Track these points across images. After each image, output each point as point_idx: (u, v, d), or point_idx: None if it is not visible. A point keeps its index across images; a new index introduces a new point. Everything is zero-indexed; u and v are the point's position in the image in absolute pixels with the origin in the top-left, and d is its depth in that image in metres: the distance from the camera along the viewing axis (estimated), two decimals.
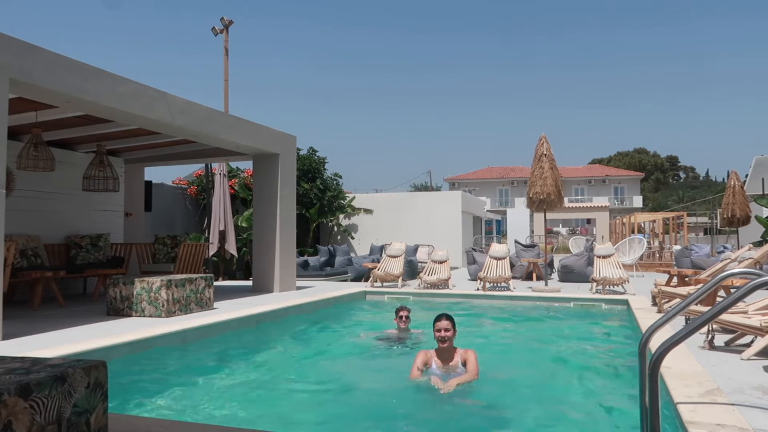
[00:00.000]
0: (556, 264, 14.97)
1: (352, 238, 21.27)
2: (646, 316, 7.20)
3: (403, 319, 6.74)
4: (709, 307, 4.00)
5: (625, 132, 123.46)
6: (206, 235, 14.91)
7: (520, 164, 65.92)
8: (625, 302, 9.01)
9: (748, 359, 4.62)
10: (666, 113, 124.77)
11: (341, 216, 21.08)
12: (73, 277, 9.05)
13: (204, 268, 12.14)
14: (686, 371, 4.14)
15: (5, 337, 5.62)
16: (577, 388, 4.98)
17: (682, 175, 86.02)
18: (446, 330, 4.81)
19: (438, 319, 4.91)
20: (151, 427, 2.92)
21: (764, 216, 20.18)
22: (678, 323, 5.75)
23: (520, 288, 11.61)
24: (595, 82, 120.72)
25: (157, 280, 7.15)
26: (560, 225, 53.37)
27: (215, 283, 9.65)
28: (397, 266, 12.33)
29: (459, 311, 9.26)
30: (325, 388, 5.04)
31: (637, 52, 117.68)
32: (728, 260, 9.32)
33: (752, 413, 3.19)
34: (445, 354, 4.86)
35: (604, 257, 11.34)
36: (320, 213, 19.26)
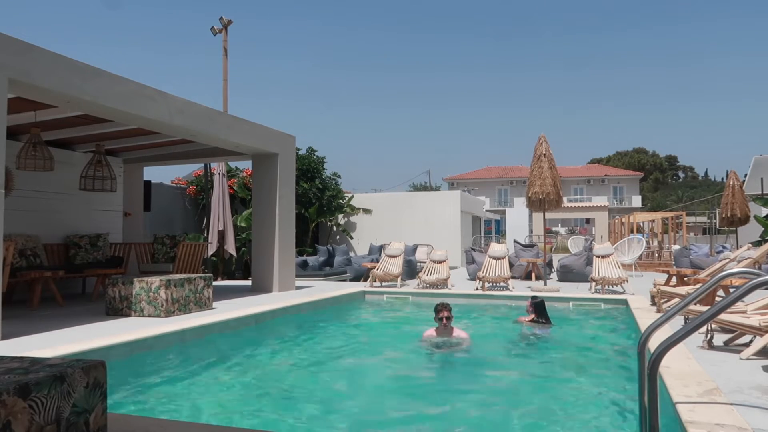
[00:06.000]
0: (555, 264, 14.98)
1: (351, 237, 21.27)
2: (645, 315, 7.20)
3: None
4: (708, 307, 4.01)
5: (624, 132, 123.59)
6: (205, 234, 14.90)
7: (519, 164, 66.04)
8: (624, 302, 9.02)
9: (747, 359, 4.62)
10: (665, 113, 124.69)
11: (340, 216, 21.08)
12: (72, 276, 9.04)
13: (203, 267, 12.14)
14: (685, 371, 4.15)
15: (4, 337, 5.62)
16: (576, 387, 4.98)
17: (681, 174, 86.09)
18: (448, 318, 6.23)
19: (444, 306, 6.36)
20: (149, 427, 2.92)
21: (763, 216, 20.19)
22: (677, 323, 5.75)
23: (519, 288, 11.61)
24: (595, 82, 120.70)
25: (156, 280, 7.15)
26: (559, 225, 53.40)
27: (214, 283, 9.65)
28: (396, 266, 12.33)
29: (458, 311, 9.28)
30: (324, 388, 5.04)
31: (636, 52, 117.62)
32: (727, 260, 9.32)
33: (751, 413, 3.19)
34: (446, 332, 6.27)
35: (603, 257, 11.34)
36: (319, 213, 19.26)
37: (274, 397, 4.72)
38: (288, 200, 10.77)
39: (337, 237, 21.41)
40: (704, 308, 5.45)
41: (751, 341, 4.92)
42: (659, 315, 5.28)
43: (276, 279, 10.32)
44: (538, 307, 7.51)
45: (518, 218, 29.31)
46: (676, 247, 20.08)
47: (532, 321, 7.44)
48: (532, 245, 15.72)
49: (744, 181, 30.69)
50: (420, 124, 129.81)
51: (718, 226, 24.98)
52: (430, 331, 6.35)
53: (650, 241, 25.30)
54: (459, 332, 6.32)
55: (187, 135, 8.84)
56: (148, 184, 12.70)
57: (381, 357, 6.37)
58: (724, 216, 16.26)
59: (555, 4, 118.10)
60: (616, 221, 30.72)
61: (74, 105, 6.92)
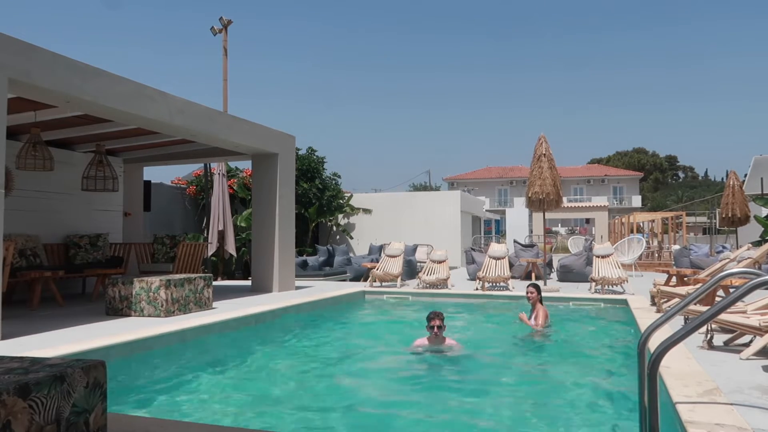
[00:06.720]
0: (555, 264, 14.98)
1: (351, 237, 21.27)
2: (645, 315, 7.20)
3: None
4: (708, 307, 4.01)
5: (624, 132, 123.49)
6: (205, 234, 14.90)
7: (519, 164, 66.01)
8: (624, 302, 9.02)
9: (747, 359, 4.63)
10: (665, 113, 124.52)
11: (340, 216, 21.08)
12: (72, 276, 9.04)
13: (203, 267, 12.14)
14: (685, 371, 4.15)
15: (4, 337, 5.62)
16: (576, 387, 4.98)
17: (681, 174, 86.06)
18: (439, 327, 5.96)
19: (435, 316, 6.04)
20: (149, 427, 2.92)
21: (763, 216, 20.20)
22: (677, 323, 5.75)
23: (519, 288, 11.60)
24: (595, 82, 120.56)
25: (156, 280, 7.15)
26: (559, 225, 53.39)
27: (214, 283, 9.64)
28: (396, 266, 12.33)
29: (457, 311, 9.27)
30: (322, 389, 5.04)
31: (636, 53, 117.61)
32: (727, 260, 9.33)
33: (751, 413, 3.19)
34: (437, 341, 6.05)
35: (603, 257, 11.34)
36: (319, 213, 19.26)
37: (273, 397, 4.72)
38: (288, 200, 10.78)
39: (337, 237, 21.41)
40: (704, 308, 5.45)
41: (751, 341, 4.93)
42: (659, 315, 5.28)
43: (276, 279, 10.32)
44: (539, 288, 7.57)
45: (518, 218, 29.31)
46: (676, 247, 20.08)
47: (534, 321, 7.38)
48: (532, 245, 15.72)
49: (744, 181, 30.69)
50: (420, 124, 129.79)
51: (718, 226, 24.99)
52: (422, 340, 6.13)
53: (650, 241, 25.31)
54: (451, 342, 6.13)
55: (187, 135, 8.85)
56: (148, 184, 12.70)
57: (377, 360, 6.36)
58: (724, 216, 16.27)
59: (555, 4, 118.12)
60: (616, 221, 30.73)
61: (74, 105, 6.92)
